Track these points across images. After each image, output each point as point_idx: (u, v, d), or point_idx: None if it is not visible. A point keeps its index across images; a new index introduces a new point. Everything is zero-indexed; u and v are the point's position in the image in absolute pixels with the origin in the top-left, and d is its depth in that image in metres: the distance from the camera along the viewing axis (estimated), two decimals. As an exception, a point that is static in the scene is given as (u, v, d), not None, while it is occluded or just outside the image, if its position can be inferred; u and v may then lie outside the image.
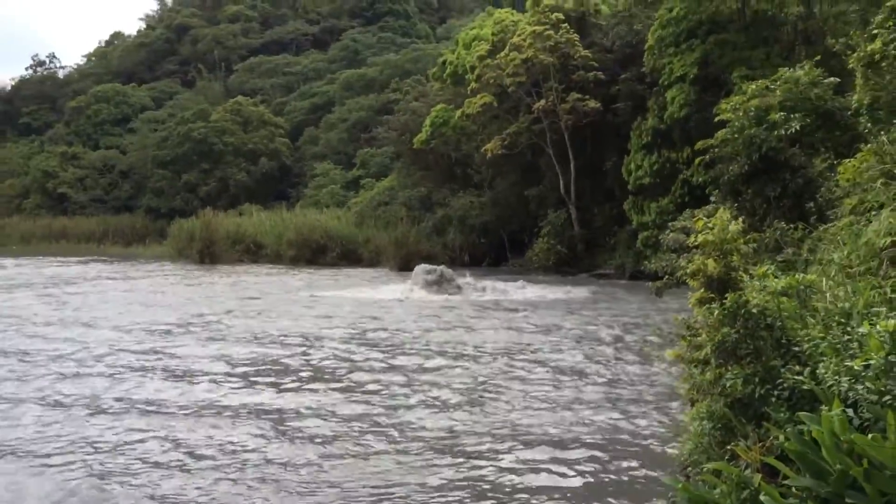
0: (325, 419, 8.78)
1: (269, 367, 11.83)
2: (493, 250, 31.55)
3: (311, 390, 10.29)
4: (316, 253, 34.02)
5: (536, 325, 15.47)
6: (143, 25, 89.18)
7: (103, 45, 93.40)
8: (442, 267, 22.63)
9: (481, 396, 9.76)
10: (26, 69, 79.83)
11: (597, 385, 10.25)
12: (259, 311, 18.18)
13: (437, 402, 9.51)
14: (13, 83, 77.99)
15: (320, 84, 63.55)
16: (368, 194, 40.18)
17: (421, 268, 22.42)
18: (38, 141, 66.76)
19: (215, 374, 11.21)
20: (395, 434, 8.21)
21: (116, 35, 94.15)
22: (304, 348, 13.22)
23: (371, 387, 10.35)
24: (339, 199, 44.96)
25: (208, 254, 35.56)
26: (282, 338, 14.26)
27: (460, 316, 17.09)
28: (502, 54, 28.58)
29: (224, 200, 49.56)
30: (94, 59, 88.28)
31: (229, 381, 10.76)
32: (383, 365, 11.79)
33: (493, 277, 24.75)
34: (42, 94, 74.76)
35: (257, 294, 21.89)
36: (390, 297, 20.80)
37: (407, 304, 19.73)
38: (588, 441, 7.86)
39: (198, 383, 10.66)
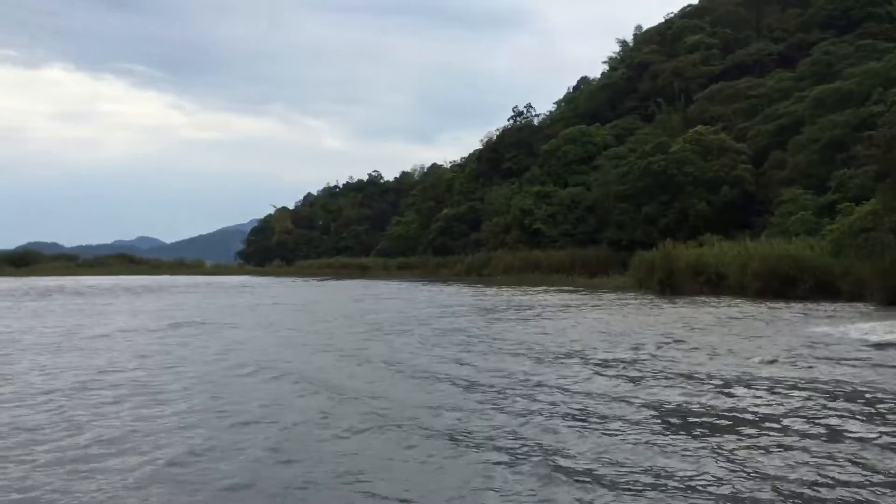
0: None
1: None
2: None
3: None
4: (784, 285, 31.39)
5: None
6: (605, 68, 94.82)
7: (571, 91, 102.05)
8: None
9: None
10: (507, 120, 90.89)
11: None
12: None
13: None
14: (497, 133, 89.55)
15: (787, 104, 59.19)
16: (847, 220, 35.74)
17: None
18: (517, 183, 75.32)
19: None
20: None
21: (582, 80, 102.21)
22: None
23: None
24: (810, 226, 41.00)
25: (668, 285, 35.79)
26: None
27: None
28: None
29: (683, 231, 49.10)
30: (563, 104, 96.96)
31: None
32: None
33: None
34: (520, 140, 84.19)
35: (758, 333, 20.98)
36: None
37: None
38: None
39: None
